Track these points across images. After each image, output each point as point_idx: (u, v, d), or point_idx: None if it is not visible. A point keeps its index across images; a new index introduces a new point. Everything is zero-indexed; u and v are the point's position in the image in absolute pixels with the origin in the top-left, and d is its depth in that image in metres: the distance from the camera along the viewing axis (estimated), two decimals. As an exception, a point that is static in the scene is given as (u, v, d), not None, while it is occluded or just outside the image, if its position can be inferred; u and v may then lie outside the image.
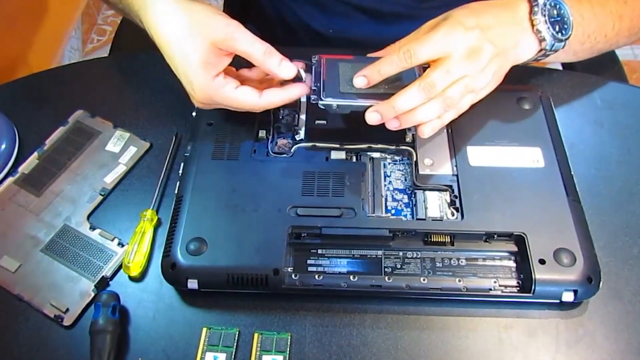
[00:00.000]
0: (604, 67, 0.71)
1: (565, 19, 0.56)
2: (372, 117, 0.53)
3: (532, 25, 0.55)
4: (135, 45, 0.84)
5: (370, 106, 0.53)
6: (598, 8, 0.59)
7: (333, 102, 0.53)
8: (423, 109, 0.52)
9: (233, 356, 0.48)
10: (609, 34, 0.60)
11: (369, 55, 0.58)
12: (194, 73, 0.53)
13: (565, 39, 0.56)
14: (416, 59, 0.51)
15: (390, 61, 0.52)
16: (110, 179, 0.59)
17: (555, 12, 0.56)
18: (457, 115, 0.55)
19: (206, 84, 0.53)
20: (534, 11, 0.55)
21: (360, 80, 0.53)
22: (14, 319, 0.51)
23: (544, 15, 0.55)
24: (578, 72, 0.67)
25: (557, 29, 0.55)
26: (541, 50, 0.56)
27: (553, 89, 0.64)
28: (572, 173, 0.55)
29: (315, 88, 0.54)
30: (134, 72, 0.70)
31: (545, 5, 0.55)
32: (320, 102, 0.53)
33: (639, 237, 0.54)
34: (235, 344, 0.49)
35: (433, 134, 0.57)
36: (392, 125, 0.53)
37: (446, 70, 0.51)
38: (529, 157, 0.56)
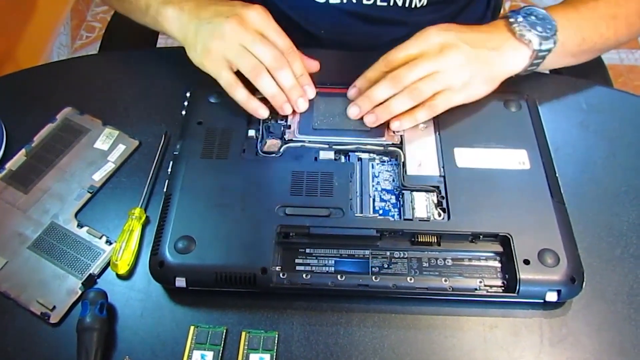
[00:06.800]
0: (589, 70, 0.72)
1: (544, 18, 0.59)
2: (352, 111, 0.59)
3: (514, 34, 0.58)
4: (125, 42, 0.84)
5: (341, 142, 0.58)
6: (586, 12, 0.61)
7: (306, 139, 0.58)
8: (394, 101, 0.57)
9: (220, 354, 0.48)
10: (605, 33, 0.62)
11: (349, 88, 0.62)
12: None
13: (553, 35, 0.58)
14: (393, 63, 0.57)
15: (374, 68, 0.59)
16: (99, 176, 0.59)
17: (532, 17, 0.59)
18: (432, 116, 0.58)
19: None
20: (510, 22, 0.59)
21: (353, 93, 0.60)
22: (0, 316, 0.51)
23: (523, 24, 0.58)
24: (564, 75, 0.68)
25: (539, 29, 0.58)
26: (533, 52, 0.58)
27: (539, 93, 0.64)
28: (557, 175, 0.56)
29: (290, 124, 0.59)
30: (124, 69, 0.70)
31: (520, 14, 0.59)
32: (294, 138, 0.58)
33: (622, 238, 0.55)
34: (222, 342, 0.49)
35: (422, 136, 0.58)
36: (370, 120, 0.58)
37: (414, 64, 0.56)
38: (515, 159, 0.56)
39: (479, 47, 0.57)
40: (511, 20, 0.59)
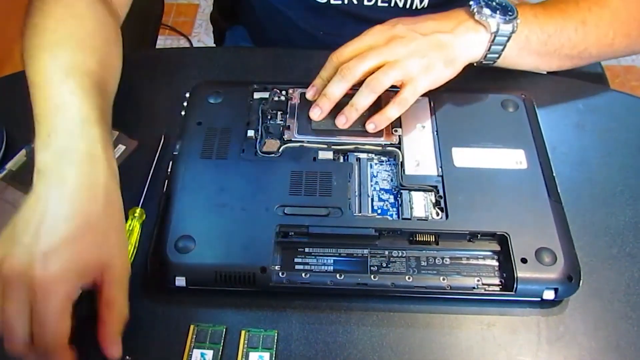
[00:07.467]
0: (586, 72, 0.73)
1: (505, 5, 0.58)
2: (314, 113, 0.58)
3: (472, 16, 0.58)
4: (124, 42, 0.84)
5: (340, 143, 0.58)
6: (554, 12, 0.61)
7: (305, 139, 0.58)
8: (356, 97, 0.56)
9: (220, 353, 0.49)
10: (573, 37, 0.61)
11: (307, 89, 0.61)
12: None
13: (512, 20, 0.57)
14: (342, 57, 0.57)
15: (326, 67, 0.58)
16: (99, 177, 0.59)
17: (493, 3, 0.58)
18: (403, 110, 0.57)
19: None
20: (470, 6, 0.58)
21: (311, 93, 0.59)
22: None
23: (482, 6, 0.58)
24: (561, 76, 0.69)
25: (498, 13, 0.57)
26: (491, 35, 0.58)
27: (536, 93, 0.65)
28: (554, 175, 0.56)
29: (289, 124, 0.59)
30: (123, 69, 0.70)
31: (480, 2, 0.58)
32: (293, 138, 0.58)
33: (618, 237, 0.55)
34: (222, 341, 0.49)
35: (420, 136, 0.59)
36: (341, 122, 0.57)
37: (362, 56, 0.56)
38: (512, 158, 0.57)
39: (430, 33, 0.57)
40: (471, 3, 0.59)
